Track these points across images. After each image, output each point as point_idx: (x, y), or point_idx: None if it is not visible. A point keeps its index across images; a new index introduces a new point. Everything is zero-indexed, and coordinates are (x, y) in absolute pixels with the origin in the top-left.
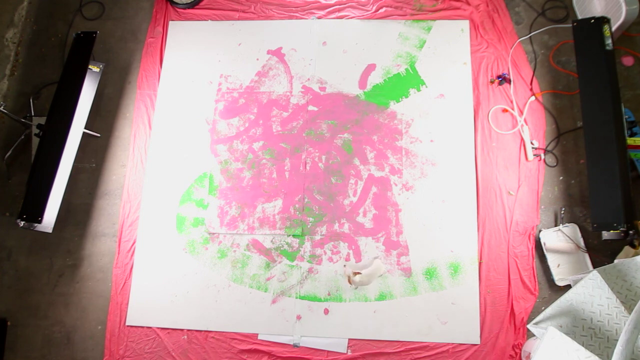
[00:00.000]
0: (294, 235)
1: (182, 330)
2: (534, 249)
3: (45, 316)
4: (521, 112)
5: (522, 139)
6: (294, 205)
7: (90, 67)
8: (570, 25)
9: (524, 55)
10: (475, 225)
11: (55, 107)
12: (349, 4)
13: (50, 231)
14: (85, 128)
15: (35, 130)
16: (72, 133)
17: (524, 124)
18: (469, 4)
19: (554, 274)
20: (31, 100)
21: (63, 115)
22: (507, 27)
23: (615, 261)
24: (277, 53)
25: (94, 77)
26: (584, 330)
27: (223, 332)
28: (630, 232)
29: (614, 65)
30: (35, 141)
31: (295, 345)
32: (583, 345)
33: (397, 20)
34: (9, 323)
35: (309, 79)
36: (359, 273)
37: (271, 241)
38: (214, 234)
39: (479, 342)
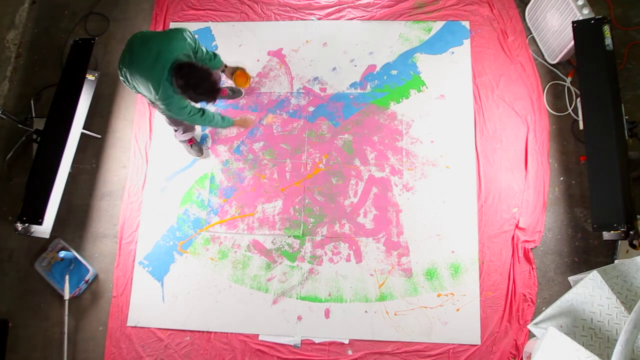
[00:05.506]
0: (294, 236)
1: (183, 331)
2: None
3: (47, 317)
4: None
5: (527, 142)
6: (294, 206)
7: (86, 75)
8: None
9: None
10: (476, 226)
11: (52, 115)
12: (350, 5)
13: (48, 237)
14: (86, 129)
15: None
16: (69, 141)
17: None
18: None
19: None
20: (32, 102)
21: (60, 124)
22: (517, 26)
23: (616, 262)
24: (278, 54)
25: (90, 85)
26: (584, 331)
27: (224, 332)
28: (631, 232)
29: (614, 66)
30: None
31: (295, 346)
32: (583, 346)
33: (397, 21)
34: (10, 324)
35: (309, 80)
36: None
37: (272, 242)
38: (214, 233)
39: (479, 343)
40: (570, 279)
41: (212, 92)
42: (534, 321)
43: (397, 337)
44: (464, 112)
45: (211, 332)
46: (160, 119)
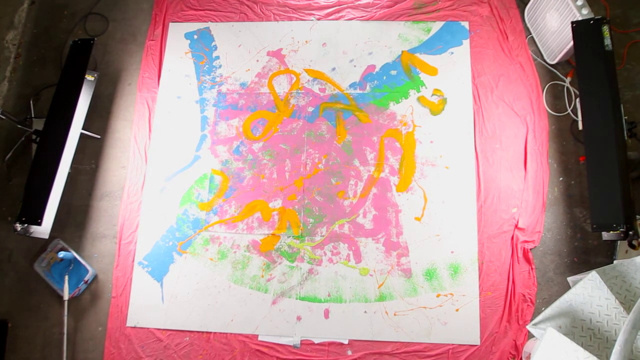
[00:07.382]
0: (294, 237)
1: (183, 331)
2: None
3: (46, 317)
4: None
5: (526, 142)
6: (293, 206)
7: (85, 76)
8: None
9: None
10: (475, 226)
11: (52, 115)
12: (349, 5)
13: (47, 237)
14: (85, 129)
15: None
16: (68, 141)
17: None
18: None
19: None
20: (31, 102)
21: (59, 124)
22: (516, 26)
23: (615, 262)
24: (277, 54)
25: (89, 86)
26: (583, 331)
27: (223, 333)
28: (630, 232)
29: (614, 66)
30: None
31: (295, 347)
32: (582, 346)
33: (396, 21)
34: (9, 324)
35: (308, 80)
36: None
37: (271, 242)
38: (213, 233)
39: (479, 343)
40: (570, 279)
41: None
42: (533, 322)
43: (397, 337)
44: (463, 112)
45: (210, 333)
46: (159, 120)
